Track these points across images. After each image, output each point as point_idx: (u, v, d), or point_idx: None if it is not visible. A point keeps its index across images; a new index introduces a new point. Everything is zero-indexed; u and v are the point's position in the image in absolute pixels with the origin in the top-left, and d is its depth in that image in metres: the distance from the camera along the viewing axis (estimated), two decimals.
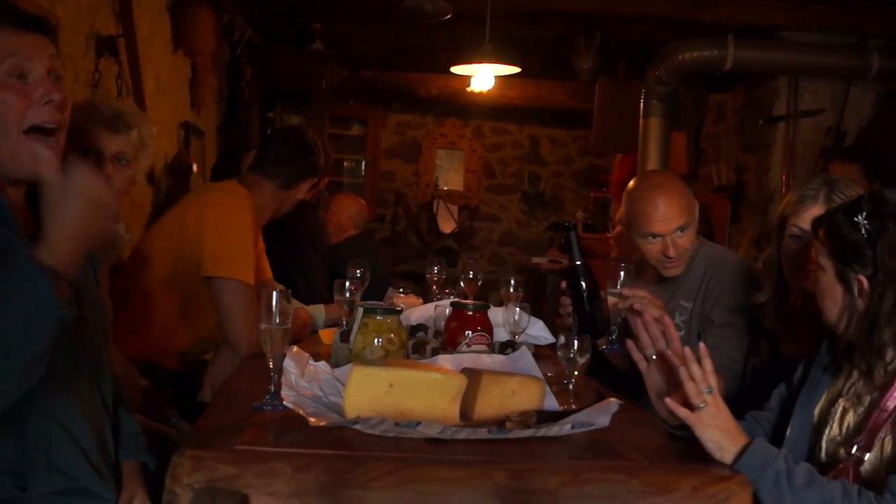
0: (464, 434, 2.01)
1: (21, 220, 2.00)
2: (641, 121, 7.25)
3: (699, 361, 2.09)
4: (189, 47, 6.15)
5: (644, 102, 7.22)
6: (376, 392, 2.10)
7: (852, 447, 2.13)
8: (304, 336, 3.44)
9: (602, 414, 2.15)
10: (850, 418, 2.21)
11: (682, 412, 2.06)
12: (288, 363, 2.26)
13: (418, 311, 3.28)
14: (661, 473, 1.92)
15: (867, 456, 2.10)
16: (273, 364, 2.19)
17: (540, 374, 2.46)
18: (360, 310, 2.65)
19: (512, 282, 3.36)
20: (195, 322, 3.42)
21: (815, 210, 2.72)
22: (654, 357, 2.24)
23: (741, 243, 7.16)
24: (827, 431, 2.25)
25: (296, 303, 3.30)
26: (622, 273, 3.02)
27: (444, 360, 2.58)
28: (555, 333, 3.11)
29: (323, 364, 2.41)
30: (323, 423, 2.00)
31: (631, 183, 3.47)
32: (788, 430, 2.33)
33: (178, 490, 1.73)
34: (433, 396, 2.14)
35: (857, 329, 2.17)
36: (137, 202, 5.22)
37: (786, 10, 6.58)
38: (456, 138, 11.46)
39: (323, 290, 4.57)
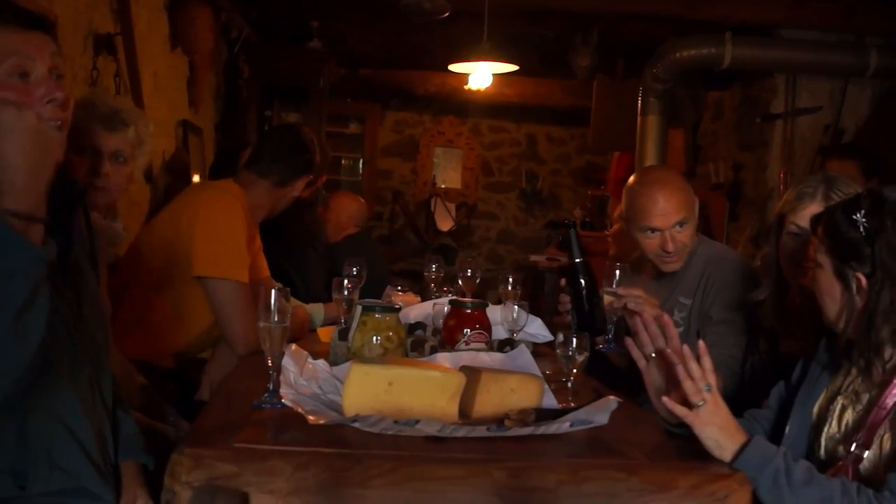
0: (463, 432, 2.01)
1: None
2: (639, 119, 7.24)
3: (698, 359, 2.09)
4: (187, 45, 6.15)
5: (642, 100, 7.21)
6: (375, 390, 2.10)
7: (851, 445, 2.13)
8: (301, 334, 3.44)
9: (601, 412, 2.15)
10: (849, 416, 2.21)
11: (680, 410, 2.06)
12: (287, 361, 2.26)
13: (416, 309, 3.28)
14: (660, 471, 1.92)
15: (866, 453, 2.10)
16: (272, 362, 2.19)
17: (539, 372, 2.46)
18: (359, 308, 2.65)
19: (510, 280, 3.36)
20: (190, 322, 3.42)
21: (814, 208, 2.72)
22: (653, 355, 2.23)
23: (739, 241, 7.16)
24: (826, 429, 2.25)
25: (294, 301, 3.30)
26: (618, 272, 3.02)
27: (443, 358, 2.57)
28: (553, 331, 3.11)
29: (322, 362, 2.41)
30: (322, 422, 2.00)
31: (631, 178, 3.49)
32: (787, 428, 2.33)
33: (177, 488, 1.73)
34: (432, 394, 2.14)
35: (855, 327, 2.17)
36: (135, 200, 5.22)
37: (784, 8, 6.58)
38: (454, 136, 11.47)
39: (321, 289, 4.57)
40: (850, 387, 2.24)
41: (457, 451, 1.92)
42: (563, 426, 2.09)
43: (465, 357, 2.58)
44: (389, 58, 9.29)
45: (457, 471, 1.82)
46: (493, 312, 3.02)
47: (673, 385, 2.13)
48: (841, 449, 2.18)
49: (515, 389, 2.27)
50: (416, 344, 2.87)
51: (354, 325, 2.62)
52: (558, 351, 2.48)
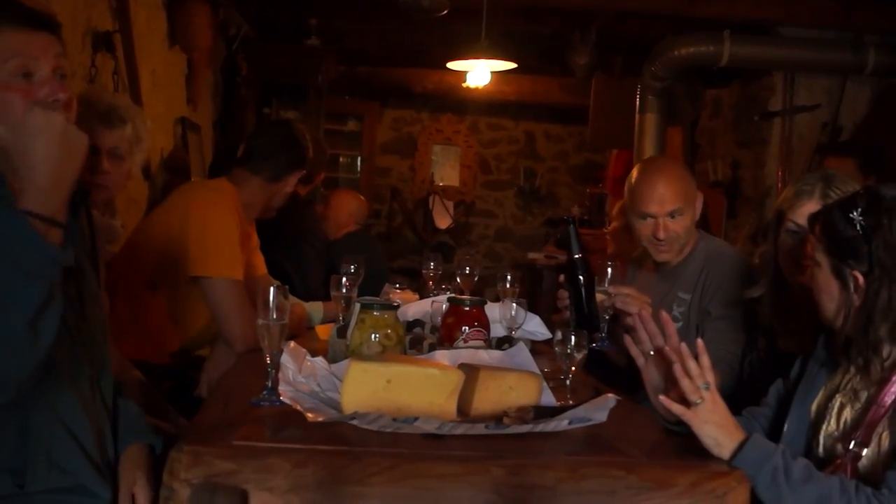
0: (461, 429, 2.01)
1: None
2: (637, 116, 7.24)
3: (696, 357, 2.09)
4: (185, 43, 6.15)
5: (640, 98, 7.21)
6: (374, 388, 2.09)
7: (850, 443, 2.14)
8: (299, 331, 3.44)
9: (599, 409, 2.15)
10: (848, 414, 2.21)
11: (677, 409, 2.06)
12: (285, 359, 2.25)
13: (415, 307, 3.27)
14: (658, 469, 1.92)
15: (864, 451, 2.10)
16: (270, 360, 2.18)
17: (537, 370, 2.46)
18: (357, 305, 2.65)
19: (508, 277, 3.36)
20: (186, 322, 3.42)
21: (811, 205, 2.72)
22: (652, 353, 2.24)
23: (737, 239, 7.15)
24: (824, 427, 2.25)
25: (292, 299, 3.30)
26: (609, 270, 3.03)
27: (442, 355, 2.57)
28: (551, 329, 3.11)
29: (320, 360, 2.40)
30: (321, 419, 1.99)
31: (635, 167, 3.52)
32: (786, 426, 2.33)
33: (176, 486, 1.74)
34: (431, 392, 2.14)
35: (853, 325, 2.17)
36: (133, 197, 5.22)
37: (782, 6, 6.58)
38: (452, 134, 11.46)
39: (319, 286, 4.56)
40: (848, 385, 2.25)
41: (455, 448, 1.92)
42: (561, 424, 2.09)
43: (464, 354, 2.58)
44: (388, 55, 9.29)
45: (455, 468, 1.82)
46: (492, 310, 3.02)
47: (671, 383, 2.13)
48: (839, 447, 2.18)
49: (514, 387, 2.27)
50: (414, 341, 2.87)
51: (353, 322, 2.62)
52: (557, 349, 2.47)
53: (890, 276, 2.09)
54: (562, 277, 3.13)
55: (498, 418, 2.15)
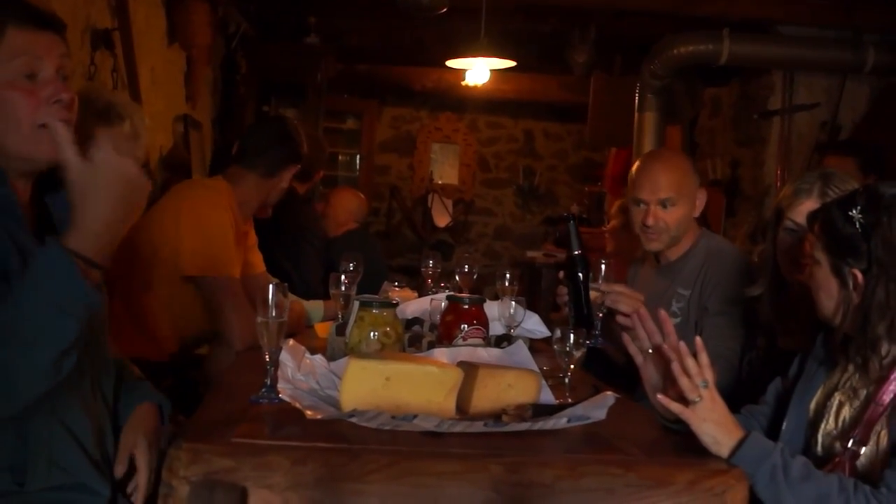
0: (460, 427, 2.02)
1: (27, 217, 2.04)
2: (636, 115, 7.24)
3: (695, 355, 2.09)
4: (184, 41, 6.14)
5: (639, 96, 7.21)
6: (373, 385, 2.09)
7: (848, 441, 2.14)
8: (298, 329, 3.43)
9: (598, 407, 2.15)
10: (846, 412, 2.21)
11: (676, 407, 2.06)
12: (284, 356, 2.25)
13: (414, 305, 3.28)
14: (657, 467, 1.92)
15: (863, 450, 2.10)
16: (269, 357, 2.19)
17: (536, 368, 2.46)
18: (357, 303, 2.65)
19: (507, 275, 3.36)
20: (183, 322, 3.41)
21: (810, 204, 2.73)
22: (650, 351, 2.24)
23: (736, 237, 7.16)
24: (823, 425, 2.25)
25: (291, 297, 3.30)
26: (603, 268, 3.04)
27: (441, 353, 2.57)
28: (550, 327, 3.11)
29: (319, 357, 2.40)
30: (319, 417, 1.99)
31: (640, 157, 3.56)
32: (784, 424, 2.34)
33: (175, 483, 1.73)
34: (430, 390, 2.14)
35: (852, 323, 2.17)
36: None
37: (781, 5, 6.58)
38: (451, 132, 11.46)
39: (318, 284, 4.57)
40: (847, 383, 2.25)
41: (454, 446, 1.93)
42: (560, 422, 2.09)
43: (463, 352, 2.58)
44: (387, 53, 9.29)
45: (454, 466, 1.82)
46: (491, 308, 3.02)
47: (670, 381, 2.13)
48: (838, 445, 2.18)
49: (513, 385, 2.27)
50: (413, 339, 2.87)
51: (352, 320, 2.62)
52: (556, 347, 2.47)
53: (888, 274, 2.09)
54: (561, 274, 3.14)
55: (497, 416, 2.15)
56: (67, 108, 2.04)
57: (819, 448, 2.25)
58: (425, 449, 1.90)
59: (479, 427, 2.03)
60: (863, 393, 2.19)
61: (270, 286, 2.21)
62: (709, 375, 2.07)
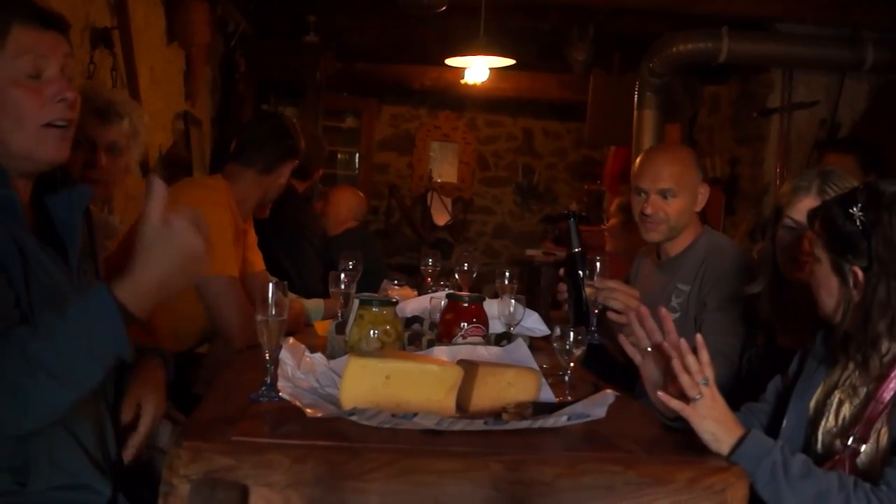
0: (460, 425, 2.01)
1: (28, 217, 2.04)
2: (635, 113, 7.23)
3: (695, 352, 2.09)
4: (183, 39, 6.14)
5: (638, 94, 7.20)
6: (373, 383, 2.09)
7: (848, 439, 2.13)
8: (297, 328, 3.44)
9: (598, 405, 2.15)
10: (846, 410, 2.21)
11: (676, 405, 2.06)
12: (284, 355, 2.25)
13: (413, 303, 3.28)
14: (657, 465, 1.92)
15: (863, 447, 2.10)
16: (269, 356, 2.19)
17: (536, 366, 2.46)
18: (356, 301, 2.65)
19: (507, 274, 3.36)
20: (181, 321, 3.41)
21: (808, 201, 2.73)
22: (649, 349, 2.24)
23: (735, 235, 7.16)
24: (823, 423, 2.25)
25: (291, 295, 3.30)
26: (598, 265, 3.04)
27: (440, 351, 2.57)
28: (550, 325, 3.11)
29: (319, 356, 2.40)
30: (319, 415, 1.99)
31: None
32: (785, 422, 2.33)
33: (175, 481, 1.73)
34: (430, 388, 2.14)
35: (852, 320, 2.17)
36: (131, 194, 5.20)
37: (780, 2, 6.58)
38: (450, 130, 11.47)
39: (317, 283, 4.56)
40: (847, 381, 2.25)
41: (454, 444, 1.93)
42: (560, 420, 2.09)
43: (463, 351, 2.58)
44: (386, 52, 9.29)
45: (454, 464, 1.82)
46: (490, 306, 3.02)
47: (670, 378, 2.13)
48: (838, 443, 2.18)
49: (513, 383, 2.27)
50: (413, 337, 2.87)
51: (352, 318, 2.63)
52: (555, 345, 2.47)
53: (889, 271, 2.09)
54: (561, 271, 3.14)
55: (497, 414, 2.15)
56: (71, 108, 2.06)
57: (819, 446, 2.25)
58: (425, 447, 1.90)
59: (479, 425, 2.03)
60: (863, 391, 2.19)
61: (270, 285, 2.21)
62: (709, 373, 2.07)
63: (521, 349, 2.60)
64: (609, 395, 2.20)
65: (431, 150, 11.47)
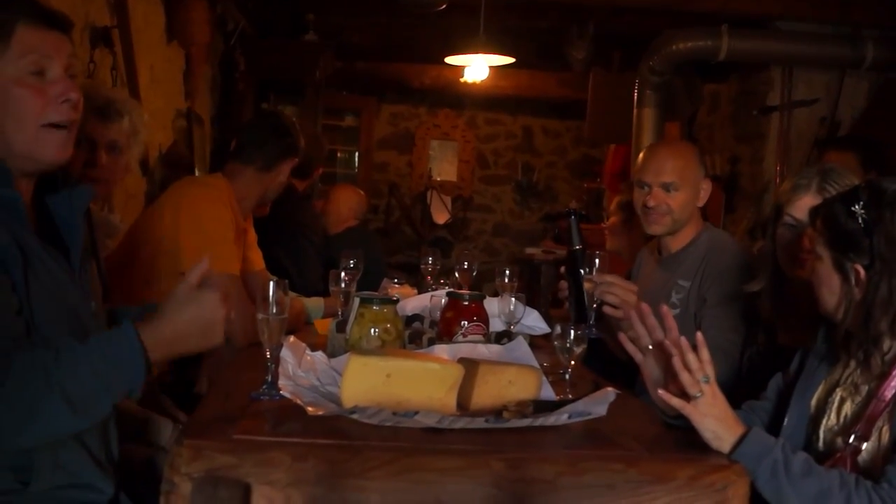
0: (461, 423, 2.01)
1: (29, 217, 2.04)
2: (635, 111, 7.24)
3: (695, 349, 2.09)
4: (183, 38, 6.14)
5: (638, 93, 7.21)
6: (373, 382, 2.09)
7: (850, 437, 2.13)
8: (297, 326, 3.44)
9: (599, 403, 2.15)
10: (848, 408, 2.21)
11: (677, 402, 2.06)
12: (285, 353, 2.26)
13: (414, 302, 3.28)
14: (658, 463, 1.92)
15: (864, 445, 2.10)
16: (270, 354, 2.19)
17: (536, 364, 2.46)
18: (357, 300, 2.65)
19: (507, 272, 3.36)
20: None
21: (808, 199, 2.74)
22: (650, 347, 2.24)
23: (735, 233, 7.16)
24: (824, 421, 2.25)
25: (291, 293, 3.30)
26: (597, 260, 3.04)
27: (441, 349, 2.57)
28: (550, 324, 3.11)
29: (320, 354, 2.41)
30: (321, 413, 1.99)
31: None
32: (786, 420, 2.33)
33: (177, 480, 1.73)
34: (430, 386, 2.14)
35: (854, 318, 2.17)
36: (132, 193, 5.21)
37: (780, 0, 6.58)
38: (449, 129, 11.46)
39: (317, 281, 4.57)
40: (848, 379, 2.25)
41: (455, 442, 1.93)
42: (561, 418, 2.09)
43: (463, 349, 2.58)
44: (385, 51, 9.29)
45: (455, 462, 1.82)
46: (490, 305, 3.02)
47: (671, 376, 2.13)
48: (839, 441, 2.18)
49: (513, 381, 2.27)
50: (413, 336, 2.87)
51: (352, 317, 2.63)
52: (556, 343, 2.47)
53: (891, 269, 2.09)
54: (562, 269, 3.14)
55: (498, 412, 2.15)
56: (74, 108, 2.06)
57: (820, 444, 2.25)
58: (426, 445, 1.90)
59: (480, 423, 2.03)
60: (864, 389, 2.19)
61: (271, 283, 2.21)
62: (710, 370, 2.07)
63: (521, 347, 2.60)
64: (610, 392, 2.20)
65: (431, 149, 11.46)
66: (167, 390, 3.15)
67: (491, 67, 7.05)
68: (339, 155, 11.29)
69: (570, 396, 2.35)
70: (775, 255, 2.89)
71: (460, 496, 1.80)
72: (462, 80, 7.66)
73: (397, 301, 2.73)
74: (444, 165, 11.49)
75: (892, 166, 4.79)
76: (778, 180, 6.84)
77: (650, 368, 2.24)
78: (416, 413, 2.03)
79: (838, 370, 2.29)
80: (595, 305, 3.05)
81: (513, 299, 3.01)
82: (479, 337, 2.85)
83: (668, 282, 3.38)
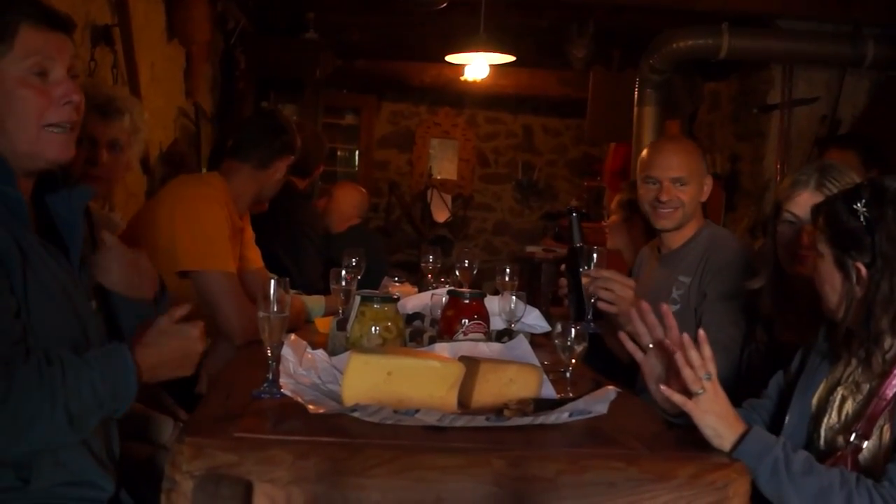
0: (462, 422, 2.01)
1: (29, 215, 2.05)
2: (635, 109, 7.24)
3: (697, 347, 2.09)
4: (183, 36, 6.13)
5: (638, 91, 7.21)
6: (374, 380, 2.10)
7: (851, 435, 2.13)
8: (298, 325, 3.44)
9: (600, 402, 2.15)
10: (849, 406, 2.21)
11: (678, 399, 2.06)
12: (286, 351, 2.25)
13: (414, 300, 3.28)
14: (659, 461, 1.92)
15: (865, 444, 2.10)
16: (271, 352, 2.19)
17: (537, 362, 2.46)
18: (357, 298, 2.65)
19: (507, 270, 3.37)
20: None
21: (807, 195, 2.74)
22: (651, 345, 2.23)
23: (735, 232, 7.16)
24: (825, 419, 2.25)
25: (292, 292, 3.30)
26: (595, 256, 3.05)
27: (442, 348, 2.57)
28: (551, 322, 3.11)
29: (321, 352, 2.41)
30: (322, 411, 2.00)
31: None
32: (787, 418, 2.33)
33: (178, 477, 1.74)
34: (431, 384, 2.14)
35: (855, 316, 2.17)
36: (132, 191, 5.21)
37: None
38: (450, 127, 11.46)
39: (317, 279, 4.56)
40: (850, 377, 2.24)
41: (456, 440, 1.93)
42: (562, 416, 2.09)
43: (464, 347, 2.58)
44: (385, 49, 9.28)
45: (456, 460, 1.82)
46: (491, 303, 3.02)
47: (672, 373, 2.13)
48: (840, 439, 2.18)
49: (514, 379, 2.27)
50: (414, 334, 2.87)
51: (353, 315, 2.62)
52: (556, 341, 2.48)
53: (892, 267, 2.09)
54: (563, 266, 3.15)
55: (498, 410, 2.15)
56: (76, 110, 2.07)
57: (821, 442, 2.24)
58: (427, 443, 1.90)
59: (480, 421, 2.03)
60: (866, 387, 2.19)
61: (272, 281, 2.21)
62: (711, 368, 2.07)
63: (522, 345, 2.60)
64: (610, 391, 2.20)
65: (431, 147, 11.47)
66: (168, 388, 3.14)
67: (491, 66, 7.06)
68: (339, 153, 11.29)
69: (571, 395, 2.35)
70: (776, 253, 2.89)
71: (461, 494, 1.80)
72: (462, 78, 7.66)
73: (398, 299, 2.73)
74: (444, 164, 11.49)
75: (894, 164, 4.80)
76: (778, 179, 6.84)
77: (651, 366, 2.24)
78: (417, 411, 2.03)
79: (839, 368, 2.29)
80: (593, 301, 3.05)
81: (513, 298, 3.01)
82: (480, 335, 2.85)
83: (668, 278, 3.38)
